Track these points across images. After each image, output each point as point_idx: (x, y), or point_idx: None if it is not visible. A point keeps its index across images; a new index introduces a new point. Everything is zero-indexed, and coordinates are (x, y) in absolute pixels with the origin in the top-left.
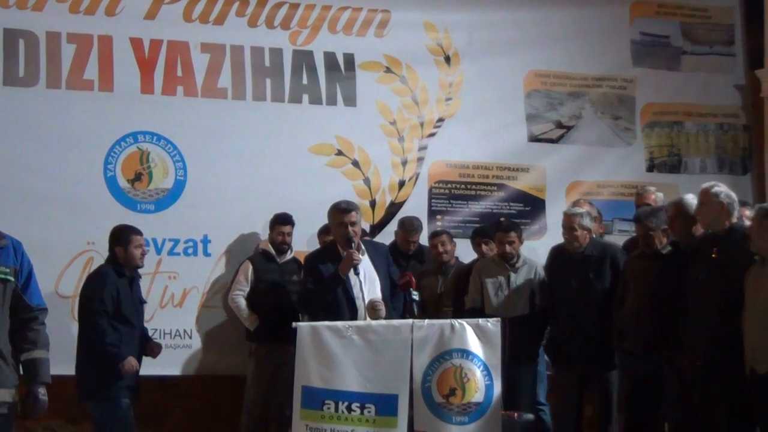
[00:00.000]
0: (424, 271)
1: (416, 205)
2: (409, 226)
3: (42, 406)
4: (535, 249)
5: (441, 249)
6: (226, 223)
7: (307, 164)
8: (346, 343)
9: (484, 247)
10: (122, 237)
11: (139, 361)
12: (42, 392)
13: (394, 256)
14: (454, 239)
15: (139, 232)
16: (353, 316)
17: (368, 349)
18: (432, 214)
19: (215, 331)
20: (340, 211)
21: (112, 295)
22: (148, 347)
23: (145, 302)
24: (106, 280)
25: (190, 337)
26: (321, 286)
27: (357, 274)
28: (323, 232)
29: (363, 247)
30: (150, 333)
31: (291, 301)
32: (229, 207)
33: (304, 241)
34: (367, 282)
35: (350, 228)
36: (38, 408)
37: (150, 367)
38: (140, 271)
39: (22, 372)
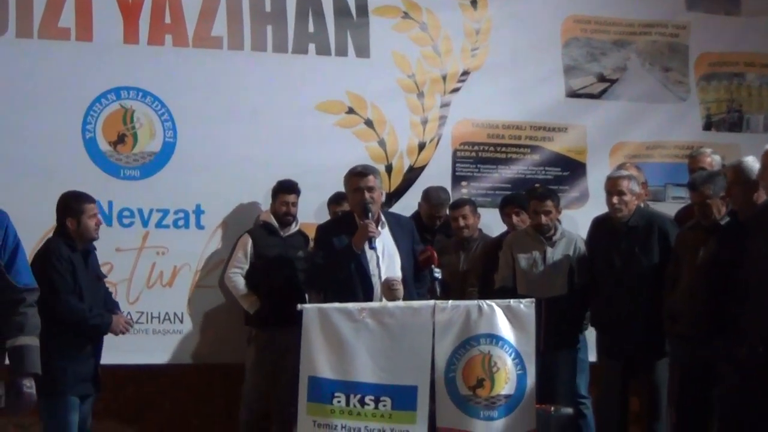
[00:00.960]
0: (444, 246)
1: (438, 171)
2: (435, 199)
3: (26, 401)
4: (575, 219)
5: (462, 223)
6: (222, 191)
7: (314, 124)
8: (358, 327)
9: (515, 218)
10: (73, 207)
11: (100, 347)
12: (27, 384)
13: (418, 231)
14: (482, 209)
15: (91, 200)
16: (368, 296)
17: (384, 335)
18: (456, 180)
19: (210, 314)
20: (356, 175)
21: (69, 271)
22: (114, 325)
23: (105, 276)
24: (60, 253)
25: (181, 321)
26: (331, 261)
27: (373, 248)
28: (334, 201)
29: (384, 218)
30: (136, 317)
31: (296, 280)
32: (225, 173)
33: (311, 212)
34: (385, 258)
35: (367, 194)
36: (21, 403)
37: (136, 355)
38: (124, 245)
39: (7, 361)
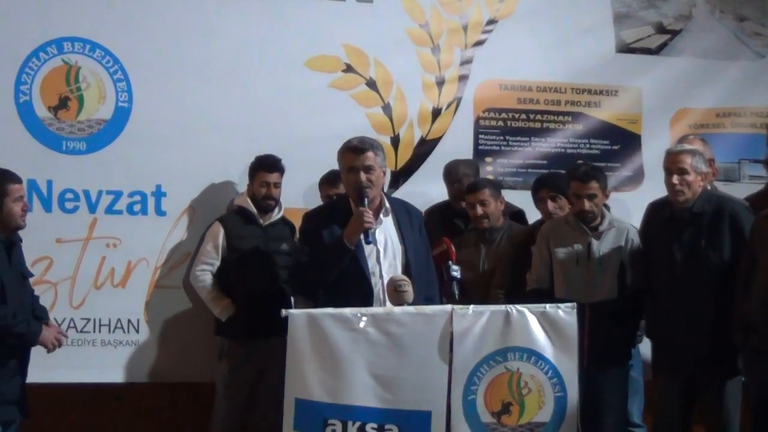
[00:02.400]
0: (461, 240)
1: (457, 144)
2: (455, 176)
3: None
4: (627, 205)
5: (480, 210)
6: (189, 168)
7: (304, 85)
8: (357, 338)
9: (551, 204)
10: None
11: (26, 361)
12: None
13: (447, 217)
14: (510, 191)
15: (16, 179)
16: (366, 300)
17: (389, 347)
18: (479, 155)
19: (173, 321)
20: (351, 151)
21: None
22: (45, 336)
23: (32, 275)
24: None
25: (137, 330)
26: (320, 258)
27: (369, 242)
28: (327, 182)
29: (387, 204)
30: (80, 324)
31: (279, 279)
32: (192, 146)
33: (298, 195)
34: (387, 253)
35: (363, 175)
36: None
37: (81, 372)
38: (66, 236)
39: None
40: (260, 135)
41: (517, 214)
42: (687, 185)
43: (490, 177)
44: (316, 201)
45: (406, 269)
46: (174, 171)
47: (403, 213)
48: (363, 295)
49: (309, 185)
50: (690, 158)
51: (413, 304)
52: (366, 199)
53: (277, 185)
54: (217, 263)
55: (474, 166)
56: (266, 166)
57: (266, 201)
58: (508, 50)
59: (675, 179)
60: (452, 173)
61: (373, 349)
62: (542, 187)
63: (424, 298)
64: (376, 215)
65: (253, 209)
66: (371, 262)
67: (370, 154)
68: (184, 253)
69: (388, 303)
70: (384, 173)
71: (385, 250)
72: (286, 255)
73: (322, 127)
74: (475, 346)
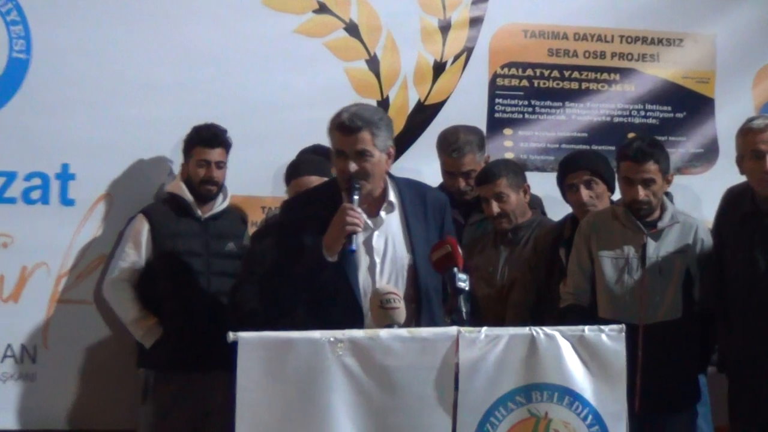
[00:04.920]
0: (476, 240)
1: (465, 110)
2: (449, 142)
3: None
4: (695, 192)
5: (496, 208)
6: (105, 142)
7: (260, 31)
8: (332, 371)
9: (584, 193)
10: None
11: None
12: None
13: None
14: (536, 174)
15: None
16: (357, 323)
17: (374, 384)
18: (495, 126)
19: (81, 348)
20: (338, 130)
21: None
22: None
23: None
24: None
25: (33, 360)
26: (293, 272)
27: (350, 250)
28: (293, 173)
29: (392, 196)
30: None
31: (224, 290)
32: (110, 113)
33: (249, 178)
34: (388, 265)
35: (352, 165)
36: None
37: None
38: None
39: None
40: (200, 98)
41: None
42: None
43: (509, 156)
44: (274, 187)
45: (416, 285)
46: (85, 146)
47: (417, 203)
48: (351, 324)
49: (264, 165)
50: None
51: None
52: (356, 195)
53: (221, 165)
54: (141, 269)
55: (479, 135)
56: (206, 140)
57: (206, 186)
58: None
59: (761, 164)
60: (448, 140)
61: (352, 386)
62: (573, 169)
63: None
64: (375, 211)
65: (189, 197)
66: (362, 277)
67: (363, 135)
68: (97, 257)
69: (373, 321)
70: (390, 155)
71: (383, 261)
72: (234, 258)
73: (284, 87)
74: (489, 382)
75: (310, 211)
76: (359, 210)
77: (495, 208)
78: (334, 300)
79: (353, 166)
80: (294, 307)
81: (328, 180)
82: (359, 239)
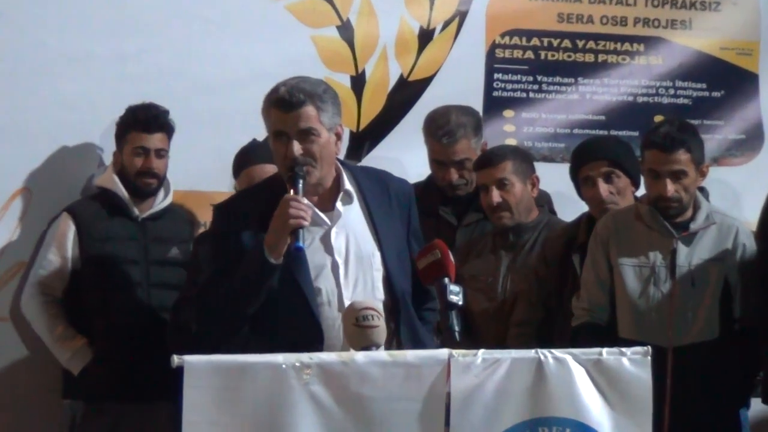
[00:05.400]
0: (471, 244)
1: (457, 87)
2: (439, 124)
3: None
4: (735, 188)
5: (496, 198)
6: (22, 126)
7: None
8: (297, 402)
9: (603, 188)
10: None
11: None
12: None
13: (429, 203)
14: (544, 165)
15: None
16: (315, 340)
17: (349, 418)
18: (494, 105)
19: None
20: (276, 107)
21: None
22: None
23: None
24: None
25: None
26: (234, 282)
27: (298, 248)
28: (243, 162)
29: (348, 185)
30: None
31: (164, 307)
32: (29, 89)
33: (200, 170)
34: (353, 266)
35: (296, 146)
36: None
37: None
38: None
39: None
40: (137, 72)
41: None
42: None
43: (512, 142)
44: (227, 180)
45: (389, 287)
46: None
47: (378, 192)
48: (308, 340)
49: (215, 154)
50: None
51: (403, 342)
52: (301, 183)
53: (162, 154)
54: (66, 280)
55: (475, 117)
56: (144, 124)
57: (144, 179)
58: None
59: None
60: (438, 122)
61: (322, 420)
62: (589, 159)
63: (419, 331)
64: (330, 204)
65: (124, 192)
66: (323, 283)
67: (307, 110)
68: (13, 265)
69: (347, 341)
70: (339, 136)
71: (347, 261)
72: (179, 266)
73: (238, 60)
74: (487, 416)
75: (248, 211)
76: (305, 200)
77: (496, 196)
78: (283, 311)
79: (297, 148)
80: (236, 326)
81: (270, 176)
82: (315, 236)
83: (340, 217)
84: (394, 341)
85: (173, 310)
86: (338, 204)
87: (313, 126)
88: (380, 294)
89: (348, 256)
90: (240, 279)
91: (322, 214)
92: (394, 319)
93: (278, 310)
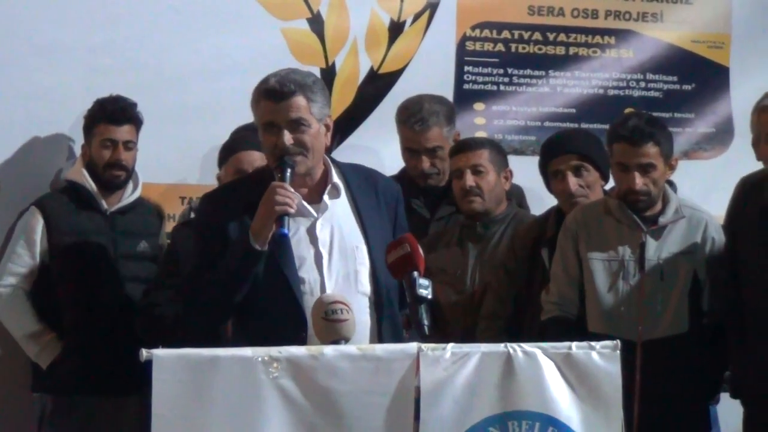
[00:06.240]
0: (439, 235)
1: (428, 80)
2: (410, 111)
3: None
4: (706, 180)
5: (471, 181)
6: None
7: None
8: (265, 396)
9: (572, 181)
10: None
11: None
12: None
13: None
14: (516, 158)
15: None
16: (299, 328)
17: (318, 413)
18: (464, 98)
19: None
20: (267, 98)
21: None
22: None
23: None
24: None
25: None
26: (218, 272)
27: (282, 234)
28: (230, 149)
29: (336, 178)
30: None
31: (133, 300)
32: None
33: (166, 163)
34: (336, 258)
35: (287, 136)
36: None
37: None
38: None
39: None
40: (106, 64)
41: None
42: None
43: (482, 135)
44: (204, 174)
45: (373, 280)
46: None
47: (366, 188)
48: (292, 328)
49: (184, 147)
50: None
51: (384, 337)
52: (289, 172)
53: (130, 146)
54: (34, 274)
55: (447, 106)
56: (111, 116)
57: (112, 171)
58: None
59: None
60: (410, 109)
61: (290, 414)
62: (558, 152)
63: (401, 327)
64: (317, 197)
65: (92, 185)
66: (306, 273)
67: (298, 100)
68: None
69: (317, 335)
70: (329, 127)
71: (330, 253)
72: (148, 260)
73: (208, 52)
74: (457, 410)
75: (235, 201)
76: (291, 189)
77: (470, 180)
78: (268, 299)
79: (288, 138)
80: (222, 314)
81: (257, 168)
82: (300, 226)
83: (327, 209)
84: (377, 335)
85: (144, 295)
86: (325, 197)
87: (304, 116)
88: (363, 287)
89: (332, 248)
90: (225, 266)
91: (308, 206)
92: (378, 314)
93: (262, 299)
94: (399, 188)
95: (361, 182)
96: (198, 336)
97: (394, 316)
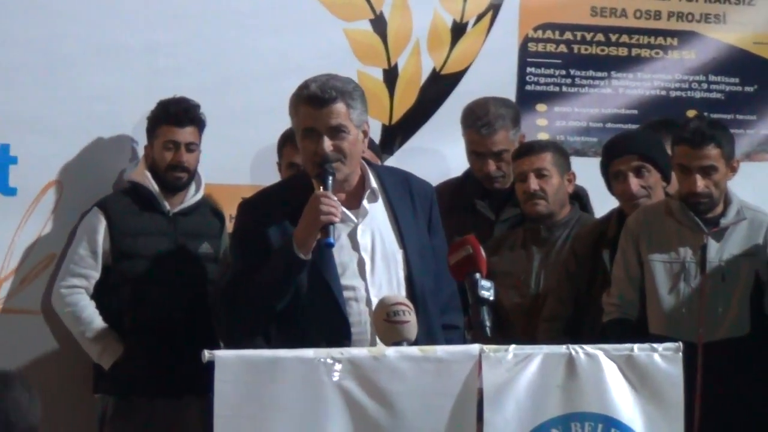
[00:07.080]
0: (503, 238)
1: (490, 81)
2: (477, 115)
3: None
4: (766, 181)
5: (535, 185)
6: (55, 116)
7: None
8: (327, 398)
9: (633, 182)
10: None
11: None
12: None
13: (467, 198)
14: (578, 159)
15: None
16: (341, 343)
17: (380, 414)
18: (526, 99)
19: (25, 365)
20: (307, 103)
21: None
22: None
23: None
24: None
25: None
26: (262, 276)
27: (329, 244)
28: (285, 143)
29: (374, 183)
30: None
31: (198, 302)
32: (60, 81)
33: (229, 164)
34: (380, 263)
35: (328, 143)
36: None
37: None
38: None
39: None
40: (169, 66)
41: (574, 197)
42: None
43: (545, 137)
44: (270, 174)
45: (409, 285)
46: (29, 123)
47: (401, 192)
48: (335, 337)
49: (246, 148)
50: None
51: (419, 343)
52: (331, 180)
53: (193, 148)
54: (97, 275)
55: (513, 109)
56: (174, 118)
57: (174, 173)
58: None
59: None
60: (477, 113)
61: (352, 416)
62: (620, 153)
63: (437, 334)
64: (356, 202)
65: (155, 187)
66: (350, 280)
67: (338, 107)
68: (44, 257)
69: (378, 342)
70: (366, 134)
71: (373, 258)
72: (210, 261)
73: (270, 53)
74: (519, 411)
75: (273, 207)
76: (334, 198)
77: (533, 183)
78: (313, 307)
79: (328, 145)
80: (264, 322)
81: (295, 173)
82: (341, 233)
83: (367, 214)
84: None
85: (217, 295)
86: (365, 202)
87: (344, 123)
88: (403, 291)
89: (374, 254)
90: (268, 274)
91: (348, 212)
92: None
93: (305, 306)
94: (432, 189)
95: (397, 185)
96: (239, 342)
97: (428, 319)
